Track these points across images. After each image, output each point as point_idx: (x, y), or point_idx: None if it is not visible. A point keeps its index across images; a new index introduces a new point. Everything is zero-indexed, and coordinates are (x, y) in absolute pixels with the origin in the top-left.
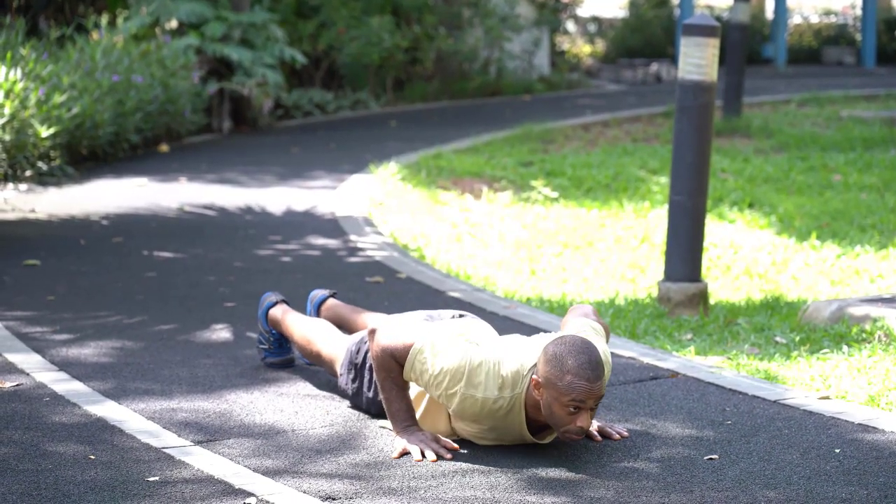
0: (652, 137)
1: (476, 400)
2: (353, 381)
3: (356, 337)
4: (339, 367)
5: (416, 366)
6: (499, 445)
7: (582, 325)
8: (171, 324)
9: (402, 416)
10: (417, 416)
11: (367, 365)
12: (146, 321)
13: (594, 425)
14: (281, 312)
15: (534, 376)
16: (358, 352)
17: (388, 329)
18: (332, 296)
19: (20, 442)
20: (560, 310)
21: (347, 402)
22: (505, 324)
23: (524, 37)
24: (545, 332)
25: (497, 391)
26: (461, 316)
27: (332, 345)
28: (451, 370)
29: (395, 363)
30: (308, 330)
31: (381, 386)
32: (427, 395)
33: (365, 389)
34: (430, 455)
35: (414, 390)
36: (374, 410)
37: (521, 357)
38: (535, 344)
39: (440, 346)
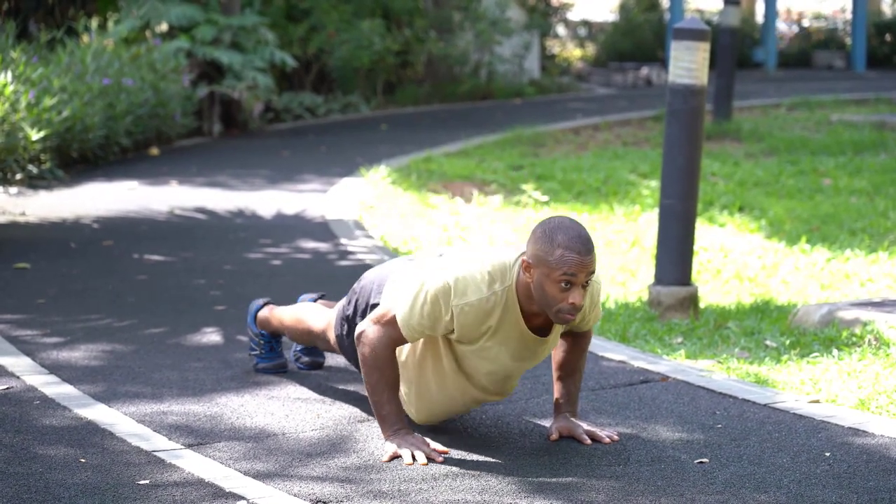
0: (642, 141)
1: (472, 306)
2: (347, 335)
3: (345, 298)
4: (333, 331)
5: (411, 323)
6: (490, 446)
7: None
8: (161, 327)
9: (392, 420)
10: (414, 394)
11: (359, 311)
12: (136, 324)
13: (585, 428)
14: (268, 310)
15: (524, 258)
16: (349, 303)
17: (369, 322)
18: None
19: (10, 445)
20: None
21: (338, 406)
22: None
23: (515, 40)
24: None
25: (487, 288)
26: (441, 256)
27: (322, 316)
28: (438, 294)
29: (390, 351)
30: (296, 312)
31: (373, 390)
32: (428, 364)
33: None
34: (421, 458)
35: (407, 381)
36: None
37: (501, 254)
38: (514, 246)
39: (417, 286)
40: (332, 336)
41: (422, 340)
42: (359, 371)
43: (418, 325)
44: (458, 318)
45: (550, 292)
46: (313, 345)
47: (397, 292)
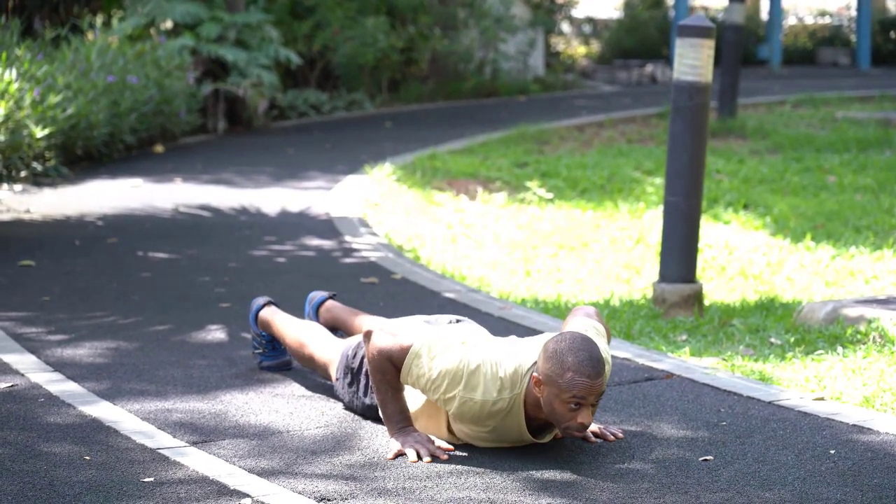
0: (647, 138)
1: (475, 402)
2: (350, 385)
3: (352, 341)
4: (335, 370)
5: (412, 370)
6: (496, 446)
7: (584, 325)
8: (165, 324)
9: (396, 418)
10: (415, 410)
11: (364, 370)
12: (141, 322)
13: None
14: (270, 314)
15: (534, 374)
16: (354, 356)
17: (384, 331)
18: (332, 297)
19: (15, 442)
20: (555, 311)
21: (343, 404)
22: (500, 325)
23: (519, 38)
24: (540, 332)
25: (496, 393)
26: (458, 321)
27: (327, 349)
28: (448, 374)
29: (391, 366)
30: (300, 333)
31: (377, 388)
32: (425, 397)
33: (361, 394)
34: (426, 456)
35: (412, 393)
36: (371, 415)
37: (518, 357)
38: (533, 344)
39: (437, 349)
40: (332, 374)
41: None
42: (356, 414)
43: (416, 382)
44: (460, 406)
45: (559, 410)
46: (312, 369)
47: (420, 332)
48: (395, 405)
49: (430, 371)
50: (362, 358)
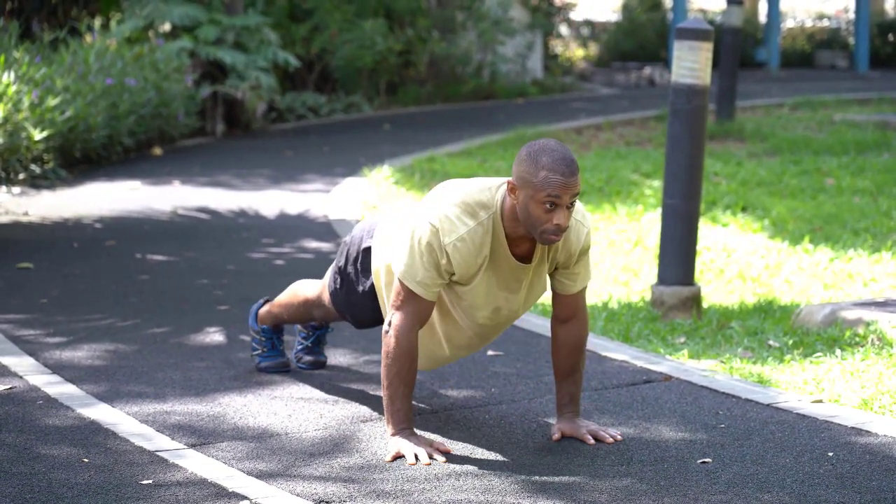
0: (645, 141)
1: (463, 240)
2: (341, 287)
3: (335, 259)
4: (327, 289)
5: (422, 282)
6: (494, 446)
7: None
8: (164, 327)
9: (400, 417)
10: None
11: (350, 261)
12: (139, 324)
13: (588, 428)
14: (267, 306)
15: (509, 180)
16: (340, 255)
17: (390, 311)
18: None
19: (13, 445)
20: None
21: (341, 405)
22: None
23: (517, 40)
24: (540, 336)
25: (473, 220)
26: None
27: (315, 284)
28: (430, 242)
29: (414, 336)
30: (291, 289)
31: (390, 382)
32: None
33: (357, 287)
34: (424, 458)
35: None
36: (370, 311)
37: (482, 184)
38: (493, 178)
39: (409, 248)
40: (326, 297)
41: None
42: (354, 325)
43: (426, 278)
44: (454, 257)
45: (535, 213)
46: (311, 318)
47: (396, 259)
48: (403, 403)
49: (422, 258)
50: (346, 254)
